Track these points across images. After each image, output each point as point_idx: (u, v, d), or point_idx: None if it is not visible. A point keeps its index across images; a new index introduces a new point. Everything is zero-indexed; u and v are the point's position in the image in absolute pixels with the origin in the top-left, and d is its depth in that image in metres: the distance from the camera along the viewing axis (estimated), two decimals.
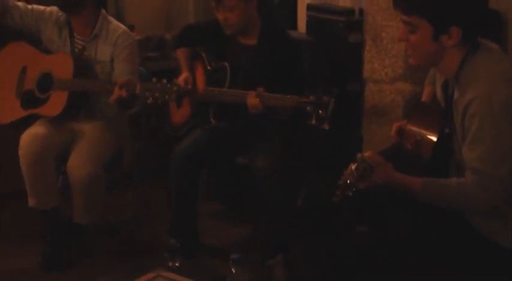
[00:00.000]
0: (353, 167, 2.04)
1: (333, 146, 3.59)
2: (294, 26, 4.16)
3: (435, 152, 2.20)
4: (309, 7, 3.98)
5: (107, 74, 3.11)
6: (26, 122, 3.13)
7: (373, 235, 2.23)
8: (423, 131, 2.27)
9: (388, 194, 2.19)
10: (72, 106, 3.05)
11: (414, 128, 2.31)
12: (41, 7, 3.19)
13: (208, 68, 3.18)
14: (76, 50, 3.14)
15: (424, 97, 2.48)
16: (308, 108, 2.56)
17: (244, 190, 3.49)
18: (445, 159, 2.17)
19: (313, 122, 2.55)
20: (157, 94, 2.78)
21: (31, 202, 3.07)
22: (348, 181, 2.03)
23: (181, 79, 3.14)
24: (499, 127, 1.93)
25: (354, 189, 2.04)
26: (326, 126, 2.53)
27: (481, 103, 1.94)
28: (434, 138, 2.21)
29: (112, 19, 3.20)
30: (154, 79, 2.81)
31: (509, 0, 3.03)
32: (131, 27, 4.32)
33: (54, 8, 3.17)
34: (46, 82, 3.09)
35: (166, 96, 2.79)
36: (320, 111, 2.53)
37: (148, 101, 2.79)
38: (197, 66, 3.22)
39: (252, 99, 2.77)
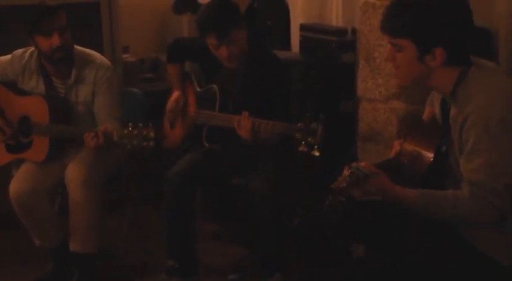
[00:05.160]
0: (347, 173, 2.05)
1: (328, 166, 3.60)
2: (287, 46, 4.19)
3: (431, 168, 2.22)
4: (302, 27, 4.01)
5: (90, 113, 3.07)
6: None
7: (371, 258, 2.23)
8: (420, 148, 2.29)
9: (382, 211, 2.20)
10: (57, 148, 3.02)
11: (411, 145, 2.33)
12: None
13: (198, 89, 3.20)
14: (61, 94, 3.06)
15: (425, 117, 2.50)
16: (297, 135, 2.56)
17: (241, 210, 3.49)
18: (442, 177, 2.19)
19: (303, 149, 2.55)
20: (135, 142, 2.73)
21: (36, 242, 3.08)
22: (341, 186, 2.03)
23: (172, 99, 3.17)
24: (496, 140, 1.95)
25: (346, 194, 2.03)
26: (316, 153, 2.53)
27: (478, 116, 1.96)
28: (431, 155, 2.23)
29: (84, 52, 3.10)
30: (130, 124, 2.75)
31: (499, 19, 3.07)
32: (126, 49, 4.38)
33: (17, 52, 3.11)
34: (26, 126, 3.03)
35: (145, 143, 2.73)
36: (309, 139, 2.53)
37: (128, 147, 2.75)
38: (187, 87, 3.24)
39: (243, 121, 2.78)
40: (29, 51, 3.10)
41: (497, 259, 2.05)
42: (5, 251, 3.44)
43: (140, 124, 2.73)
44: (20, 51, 3.13)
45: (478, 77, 2.04)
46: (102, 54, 3.28)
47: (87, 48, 3.18)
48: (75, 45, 3.06)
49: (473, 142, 1.98)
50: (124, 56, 4.29)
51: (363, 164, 2.11)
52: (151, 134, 2.72)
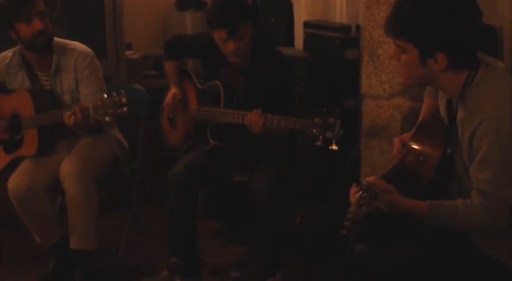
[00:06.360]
0: (359, 197, 2.01)
1: (331, 163, 3.59)
2: (291, 43, 4.18)
3: (437, 172, 2.18)
4: (306, 24, 4.00)
5: (77, 101, 3.08)
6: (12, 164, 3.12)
7: (373, 256, 2.22)
8: (426, 151, 2.23)
9: (387, 213, 2.18)
10: (47, 138, 3.04)
11: (417, 147, 2.27)
12: None
13: (199, 86, 3.18)
14: (46, 87, 3.10)
15: (424, 109, 2.46)
16: (314, 130, 2.56)
17: (242, 209, 3.49)
18: (446, 179, 2.16)
19: (320, 143, 2.56)
20: (110, 110, 2.77)
21: (36, 239, 3.11)
22: (356, 218, 2.01)
23: (168, 96, 3.16)
24: (508, 151, 1.92)
25: (360, 219, 2.02)
26: (334, 147, 2.54)
27: (490, 126, 1.93)
28: (437, 159, 2.19)
29: (64, 42, 3.14)
30: (104, 95, 2.80)
31: (503, 17, 3.05)
32: (129, 45, 4.37)
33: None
34: (17, 123, 3.08)
35: (119, 110, 2.76)
36: (328, 134, 2.54)
37: (107, 120, 2.80)
38: (187, 84, 3.22)
39: (255, 117, 2.77)
40: (12, 50, 3.14)
41: (501, 260, 2.03)
42: (5, 251, 3.44)
43: (113, 93, 2.77)
44: (3, 53, 3.17)
45: (488, 80, 1.99)
46: (105, 50, 3.29)
47: (90, 44, 3.20)
48: (54, 37, 3.08)
49: (485, 151, 1.94)
50: (127, 52, 4.29)
51: (371, 179, 2.08)
52: (124, 100, 2.75)
